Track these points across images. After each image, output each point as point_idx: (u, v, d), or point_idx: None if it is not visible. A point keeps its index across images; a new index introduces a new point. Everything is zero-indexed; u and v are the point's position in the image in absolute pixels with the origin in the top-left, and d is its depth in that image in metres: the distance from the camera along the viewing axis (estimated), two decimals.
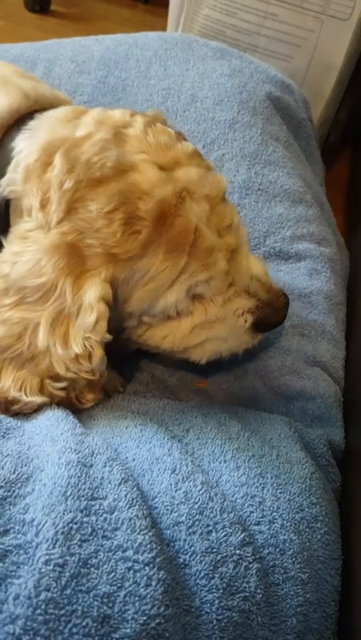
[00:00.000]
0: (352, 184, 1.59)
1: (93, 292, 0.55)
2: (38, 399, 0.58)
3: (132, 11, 2.50)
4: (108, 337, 0.57)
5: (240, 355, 0.67)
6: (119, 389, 0.69)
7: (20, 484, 0.44)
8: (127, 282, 0.57)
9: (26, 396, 0.57)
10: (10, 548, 0.38)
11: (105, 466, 0.48)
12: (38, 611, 0.36)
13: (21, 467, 0.46)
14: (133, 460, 0.52)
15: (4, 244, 0.59)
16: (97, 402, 0.63)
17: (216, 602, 0.43)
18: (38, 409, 0.59)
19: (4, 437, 0.50)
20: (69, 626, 0.36)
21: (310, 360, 0.75)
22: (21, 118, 0.64)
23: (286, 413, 0.70)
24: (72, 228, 0.55)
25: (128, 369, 0.73)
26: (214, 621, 0.43)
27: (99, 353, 0.56)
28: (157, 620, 0.39)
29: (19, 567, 0.38)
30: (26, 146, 0.59)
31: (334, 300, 0.83)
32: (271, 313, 0.65)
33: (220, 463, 0.55)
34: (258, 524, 0.50)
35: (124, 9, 2.50)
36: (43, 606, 0.36)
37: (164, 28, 2.36)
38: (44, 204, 0.57)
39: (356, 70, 1.30)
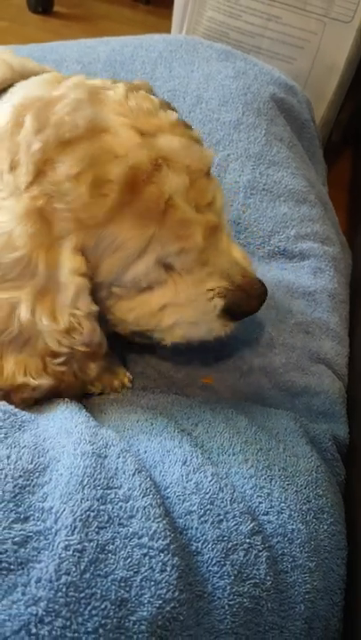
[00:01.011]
0: (354, 183, 1.61)
1: (66, 266, 0.53)
2: (45, 381, 0.58)
3: (133, 11, 2.52)
4: (95, 308, 0.56)
5: (212, 342, 0.65)
6: (127, 384, 0.71)
7: (37, 474, 0.46)
8: (95, 249, 0.55)
9: (32, 378, 0.58)
10: (30, 534, 0.40)
11: (119, 457, 0.49)
12: (59, 593, 0.37)
13: (38, 457, 0.48)
14: (145, 452, 0.54)
15: None
16: (100, 369, 0.63)
17: (228, 588, 0.45)
18: (48, 394, 0.60)
19: (20, 430, 0.51)
20: (89, 608, 0.38)
21: (315, 357, 0.76)
22: (4, 89, 0.62)
23: (292, 409, 0.72)
24: (41, 191, 0.53)
25: (135, 365, 0.75)
26: (226, 606, 0.44)
27: (88, 325, 0.56)
28: (172, 604, 0.41)
29: (39, 552, 0.39)
30: (1, 110, 0.57)
31: (338, 299, 0.84)
32: (244, 299, 0.62)
33: (228, 456, 0.56)
34: (267, 514, 0.51)
35: (126, 9, 2.51)
36: (63, 589, 0.38)
37: (166, 29, 2.37)
38: (13, 167, 0.54)
39: (358, 72, 1.31)
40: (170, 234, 0.55)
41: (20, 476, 0.44)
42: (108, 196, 0.52)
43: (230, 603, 0.44)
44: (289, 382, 0.73)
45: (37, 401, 0.61)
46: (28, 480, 0.44)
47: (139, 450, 0.54)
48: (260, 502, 0.52)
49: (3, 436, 0.49)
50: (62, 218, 0.53)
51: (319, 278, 0.84)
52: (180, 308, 0.60)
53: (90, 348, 0.58)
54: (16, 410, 0.56)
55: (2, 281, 0.54)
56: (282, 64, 1.20)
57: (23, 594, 0.37)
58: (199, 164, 0.57)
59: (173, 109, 0.62)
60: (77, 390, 0.63)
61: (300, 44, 1.19)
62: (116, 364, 0.70)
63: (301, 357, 0.76)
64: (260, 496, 0.52)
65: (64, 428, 0.53)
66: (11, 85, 0.62)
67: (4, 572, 0.37)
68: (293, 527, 0.51)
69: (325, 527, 0.54)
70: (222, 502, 0.49)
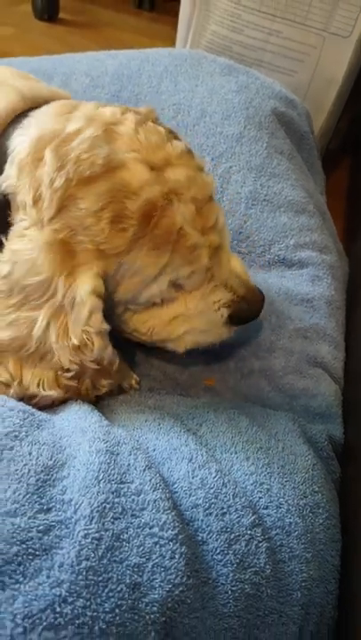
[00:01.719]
0: (351, 191, 1.65)
1: (85, 286, 0.58)
2: (54, 393, 0.62)
3: (137, 18, 2.56)
4: (106, 327, 0.60)
5: (217, 345, 0.71)
6: (135, 386, 0.74)
7: (56, 469, 0.50)
8: (115, 275, 0.60)
9: (43, 390, 0.62)
10: (53, 523, 0.44)
11: (130, 454, 0.53)
12: (80, 577, 0.41)
13: (57, 454, 0.52)
14: (154, 449, 0.58)
15: (4, 242, 0.61)
16: (113, 386, 0.67)
17: (230, 575, 0.49)
18: (54, 402, 0.64)
19: (38, 428, 0.55)
20: (106, 590, 0.42)
21: (312, 361, 0.80)
22: (18, 117, 0.66)
23: (290, 410, 0.76)
24: (64, 225, 0.58)
25: (142, 367, 0.79)
26: (229, 592, 0.48)
27: (98, 343, 0.60)
28: (180, 589, 0.45)
29: (61, 540, 0.43)
30: (19, 142, 0.62)
31: (335, 305, 0.88)
32: (246, 307, 0.68)
33: (231, 454, 0.60)
34: (266, 508, 0.55)
35: (130, 16, 2.55)
36: (84, 573, 0.42)
37: (168, 36, 2.42)
38: (36, 201, 0.59)
39: (357, 83, 1.36)
40: (181, 259, 0.61)
41: (42, 471, 0.48)
42: (127, 230, 0.58)
43: (233, 588, 0.48)
44: (288, 385, 0.77)
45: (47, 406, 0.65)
46: (48, 475, 0.48)
47: (148, 447, 0.58)
48: (260, 497, 0.56)
49: (24, 434, 0.52)
50: (84, 248, 0.58)
51: (317, 286, 0.88)
52: (190, 319, 0.67)
53: (100, 365, 0.62)
54: (33, 410, 0.60)
55: (26, 302, 0.59)
56: (283, 76, 1.24)
57: (48, 577, 0.41)
58: (203, 193, 0.63)
59: (178, 138, 0.66)
60: (86, 399, 0.67)
61: (300, 57, 1.23)
62: (124, 367, 0.74)
63: (300, 361, 0.80)
64: (261, 491, 0.56)
65: (79, 426, 0.57)
66: (24, 113, 0.66)
67: (31, 557, 0.41)
68: (291, 520, 0.55)
69: (321, 521, 0.58)
70: (225, 497, 0.53)
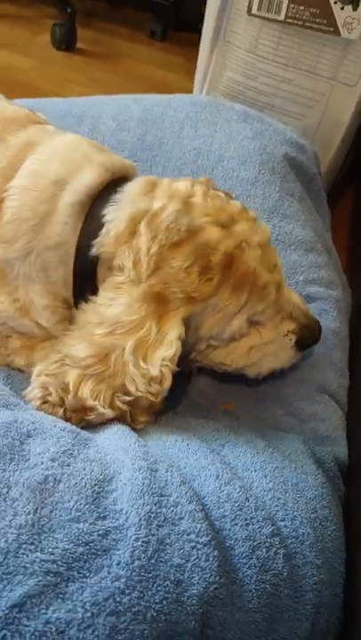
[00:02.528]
0: (355, 221, 1.74)
1: (175, 331, 0.70)
2: (109, 412, 0.71)
3: (149, 48, 2.68)
4: (177, 368, 0.71)
5: (286, 369, 0.84)
6: (162, 408, 0.83)
7: (106, 483, 0.58)
8: (201, 314, 0.74)
9: (100, 406, 0.70)
10: (109, 528, 0.53)
11: (167, 471, 0.62)
12: (134, 573, 0.50)
13: (105, 470, 0.60)
14: (185, 467, 0.66)
15: (100, 290, 0.75)
16: (147, 424, 0.76)
17: (254, 576, 0.57)
18: (104, 422, 0.72)
19: (85, 446, 0.64)
20: (155, 585, 0.51)
21: (320, 388, 0.89)
22: (106, 189, 0.79)
23: (300, 433, 0.84)
24: (159, 280, 0.72)
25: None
26: (253, 590, 0.57)
27: (169, 379, 0.71)
28: (215, 586, 0.53)
29: (117, 542, 0.52)
30: (115, 216, 0.75)
31: (340, 336, 0.97)
32: (309, 333, 0.82)
33: (251, 472, 0.69)
34: (283, 520, 0.64)
35: (143, 47, 2.67)
36: (137, 570, 0.50)
37: (179, 66, 2.54)
38: (135, 264, 0.73)
39: None
40: (256, 297, 0.75)
41: (96, 484, 0.57)
42: (212, 279, 0.72)
43: (256, 588, 0.57)
44: (299, 409, 0.86)
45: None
46: (100, 488, 0.57)
47: (180, 465, 0.66)
48: (277, 510, 0.64)
49: (76, 452, 0.61)
50: (177, 297, 0.72)
51: (324, 318, 0.97)
52: (265, 347, 0.79)
53: (157, 398, 0.72)
54: (77, 428, 0.69)
55: (113, 333, 0.70)
56: (293, 120, 1.35)
57: (108, 572, 0.49)
58: (264, 238, 0.78)
59: (232, 198, 0.82)
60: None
61: (309, 103, 1.34)
62: None
63: (309, 388, 0.88)
64: (278, 505, 0.65)
65: (120, 445, 0.66)
66: (109, 185, 0.79)
67: (93, 556, 0.50)
68: (304, 531, 0.64)
69: (329, 532, 0.66)
70: (248, 510, 0.62)
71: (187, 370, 0.82)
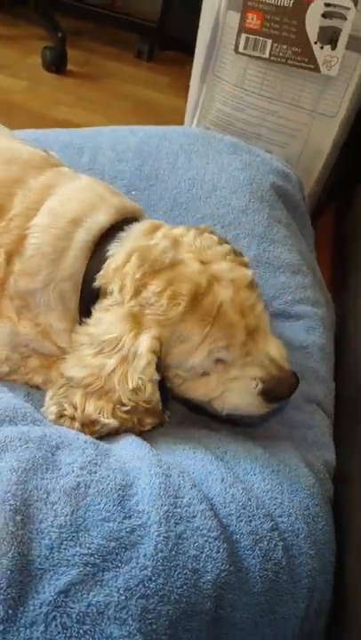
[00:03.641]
0: (337, 240, 1.85)
1: (145, 344, 0.78)
2: (112, 422, 0.80)
3: (136, 68, 2.77)
4: (157, 377, 0.79)
5: (252, 420, 0.85)
6: (167, 420, 0.92)
7: (128, 488, 0.67)
8: (169, 340, 0.79)
9: (103, 418, 0.80)
10: (135, 526, 0.62)
11: (179, 476, 0.71)
12: (158, 563, 0.59)
13: (125, 476, 0.69)
14: (193, 472, 0.75)
15: (93, 313, 0.83)
16: (154, 425, 0.84)
17: (258, 565, 0.67)
18: (111, 432, 0.81)
19: (106, 456, 0.73)
20: (176, 572, 0.60)
21: (308, 399, 0.98)
22: (114, 228, 0.88)
23: (292, 439, 0.94)
24: (137, 303, 0.80)
25: (170, 404, 0.96)
26: (257, 577, 0.66)
27: (149, 388, 0.78)
28: (225, 573, 0.63)
29: (142, 537, 0.61)
30: (117, 251, 0.84)
31: (326, 351, 1.07)
32: (278, 386, 0.81)
33: (251, 476, 0.78)
34: (280, 516, 0.73)
35: (130, 67, 2.76)
36: (160, 560, 0.60)
37: (165, 85, 2.64)
38: (121, 288, 0.81)
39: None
40: (220, 332, 0.79)
41: (120, 489, 0.66)
42: (180, 304, 0.78)
43: (260, 575, 0.66)
44: (289, 419, 0.95)
45: (103, 436, 0.83)
46: (123, 492, 0.66)
47: (189, 471, 0.75)
48: (275, 508, 0.74)
49: (100, 461, 0.70)
50: (149, 319, 0.78)
51: (311, 335, 1.07)
52: (230, 383, 0.82)
53: (149, 405, 0.80)
54: (96, 440, 0.78)
55: (101, 352, 0.79)
56: (278, 148, 1.45)
57: (137, 563, 0.59)
58: (241, 279, 0.83)
59: (227, 243, 0.88)
60: (133, 431, 0.85)
61: (293, 133, 1.44)
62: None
63: (298, 399, 0.98)
64: (275, 504, 0.74)
65: (136, 455, 0.75)
66: (118, 225, 0.88)
67: (123, 550, 0.59)
68: (299, 526, 0.73)
69: (320, 527, 0.76)
70: (251, 508, 0.71)
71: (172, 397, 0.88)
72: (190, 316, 0.78)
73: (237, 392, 0.82)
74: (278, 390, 0.82)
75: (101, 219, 0.87)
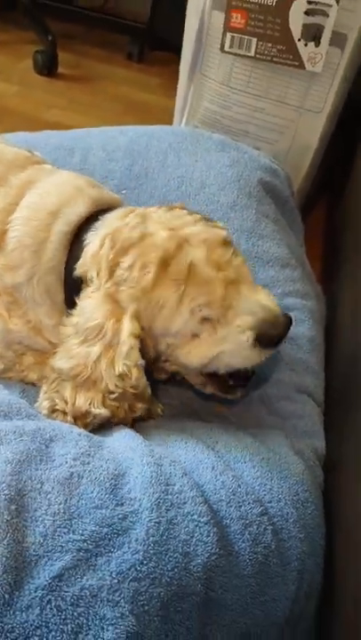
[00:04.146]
0: (327, 233, 1.87)
1: (125, 330, 0.79)
2: (103, 411, 0.81)
3: (127, 70, 2.78)
4: (142, 361, 0.80)
5: (250, 370, 0.84)
6: (160, 413, 0.94)
7: (120, 477, 0.69)
8: (147, 311, 0.80)
9: (94, 408, 0.81)
10: (127, 513, 0.64)
11: (170, 465, 0.73)
12: (150, 547, 0.61)
13: (118, 466, 0.71)
14: (185, 461, 0.77)
15: (78, 302, 0.84)
16: (145, 410, 0.86)
17: (248, 548, 0.69)
18: (103, 422, 0.83)
19: (100, 448, 0.75)
20: (167, 556, 0.62)
21: (299, 389, 1.00)
22: (91, 218, 0.89)
23: (283, 429, 0.96)
24: (112, 283, 0.81)
25: (164, 397, 0.98)
26: (247, 560, 0.68)
27: (135, 373, 0.80)
28: (215, 557, 0.65)
29: (134, 523, 0.63)
30: (93, 239, 0.85)
31: (315, 342, 1.09)
32: (270, 328, 0.79)
33: (241, 464, 0.80)
34: (270, 502, 0.75)
35: (121, 68, 2.78)
36: (152, 545, 0.62)
37: (156, 86, 2.66)
38: (97, 273, 0.83)
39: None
40: (196, 290, 0.78)
41: (112, 478, 0.68)
42: (150, 272, 0.79)
43: (250, 558, 0.68)
44: (280, 409, 0.98)
45: (95, 429, 0.85)
46: (116, 481, 0.68)
47: (180, 460, 0.77)
48: (265, 494, 0.76)
49: (93, 452, 0.72)
50: (124, 295, 0.80)
51: (301, 327, 1.09)
52: (221, 343, 0.80)
53: (136, 390, 0.82)
54: (90, 433, 0.80)
55: (85, 341, 0.80)
56: (266, 145, 1.47)
57: (129, 547, 0.61)
58: (213, 237, 0.82)
59: (197, 214, 0.87)
60: (127, 422, 0.86)
61: (280, 129, 1.46)
62: (152, 398, 0.94)
63: (289, 389, 1.00)
64: (265, 490, 0.76)
65: (128, 446, 0.77)
66: (95, 215, 0.89)
67: (116, 535, 0.61)
68: (288, 511, 0.75)
69: (309, 512, 0.78)
70: (240, 494, 0.73)
71: (160, 377, 0.90)
72: (162, 280, 0.78)
73: (231, 351, 0.80)
74: (272, 332, 0.80)
75: (78, 210, 0.89)
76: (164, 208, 0.87)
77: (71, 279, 0.87)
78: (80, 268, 0.86)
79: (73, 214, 0.89)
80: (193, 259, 0.79)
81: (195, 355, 0.82)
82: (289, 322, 0.81)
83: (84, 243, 0.87)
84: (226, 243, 0.84)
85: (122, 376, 0.80)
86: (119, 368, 0.79)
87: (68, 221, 0.88)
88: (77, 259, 0.86)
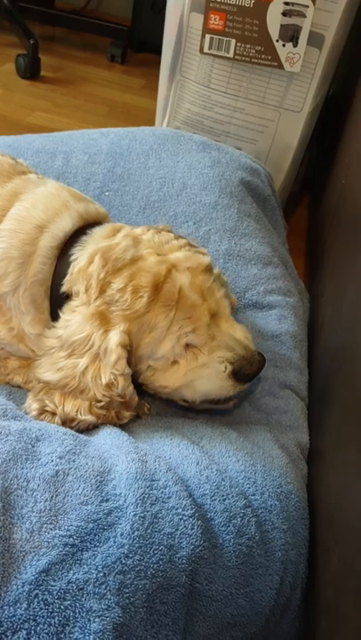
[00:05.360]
0: (311, 230, 1.89)
1: (114, 339, 0.81)
2: (89, 417, 0.83)
3: (110, 72, 2.80)
4: (129, 370, 0.82)
5: (222, 400, 0.88)
6: (147, 412, 0.96)
7: (106, 474, 0.71)
8: (138, 332, 0.83)
9: (80, 415, 0.83)
10: (112, 508, 0.65)
11: (155, 461, 0.75)
12: (135, 541, 0.63)
13: (103, 463, 0.73)
14: (170, 457, 0.79)
15: (60, 315, 0.86)
16: (132, 418, 0.88)
17: (232, 541, 0.70)
18: (89, 427, 0.85)
19: (85, 446, 0.76)
20: (152, 550, 0.63)
21: (282, 384, 1.02)
22: (77, 233, 0.91)
23: (267, 424, 0.97)
24: (102, 302, 0.83)
25: (150, 397, 1.00)
26: (231, 552, 0.70)
27: (122, 382, 0.82)
28: (199, 549, 0.66)
29: (119, 518, 0.64)
30: (80, 255, 0.87)
31: (298, 339, 1.11)
32: (247, 365, 0.85)
33: (225, 458, 0.82)
34: (253, 494, 0.77)
35: (104, 70, 2.80)
36: (137, 539, 0.63)
37: (139, 87, 2.66)
38: (86, 289, 0.85)
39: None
40: (184, 315, 0.83)
41: (98, 475, 0.69)
42: (143, 296, 0.81)
43: (234, 549, 0.70)
44: (264, 404, 0.99)
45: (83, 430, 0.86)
46: (102, 477, 0.70)
47: (165, 456, 0.79)
48: (248, 487, 0.77)
49: (78, 450, 0.73)
50: (116, 315, 0.82)
51: (283, 323, 1.11)
52: (199, 370, 0.86)
53: (123, 399, 0.84)
54: (76, 433, 0.81)
55: (72, 353, 0.82)
56: (247, 145, 1.49)
57: (114, 542, 0.62)
58: (196, 265, 0.87)
59: (183, 238, 0.91)
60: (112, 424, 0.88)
61: (260, 129, 1.48)
62: (138, 398, 0.95)
63: (272, 385, 1.02)
64: (249, 483, 0.78)
65: (114, 443, 0.78)
66: (82, 229, 0.91)
67: (101, 530, 0.63)
68: (272, 503, 0.77)
69: (293, 503, 0.80)
70: (224, 488, 0.75)
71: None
72: (154, 304, 0.82)
73: (208, 378, 0.85)
74: (247, 370, 0.86)
75: (65, 225, 0.91)
76: (153, 230, 0.90)
77: (57, 293, 0.89)
78: (67, 284, 0.88)
79: (59, 230, 0.91)
80: (182, 284, 0.83)
81: (171, 379, 0.86)
82: (263, 361, 0.87)
83: (71, 258, 0.89)
84: (207, 270, 0.88)
85: (109, 385, 0.82)
86: (106, 377, 0.81)
87: (54, 236, 0.90)
88: (64, 274, 0.88)
